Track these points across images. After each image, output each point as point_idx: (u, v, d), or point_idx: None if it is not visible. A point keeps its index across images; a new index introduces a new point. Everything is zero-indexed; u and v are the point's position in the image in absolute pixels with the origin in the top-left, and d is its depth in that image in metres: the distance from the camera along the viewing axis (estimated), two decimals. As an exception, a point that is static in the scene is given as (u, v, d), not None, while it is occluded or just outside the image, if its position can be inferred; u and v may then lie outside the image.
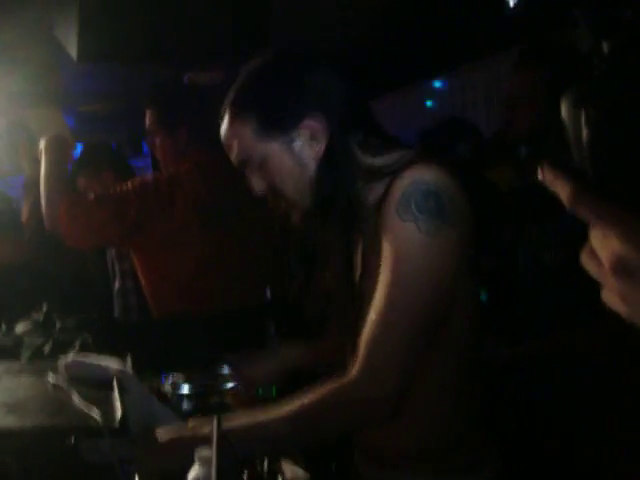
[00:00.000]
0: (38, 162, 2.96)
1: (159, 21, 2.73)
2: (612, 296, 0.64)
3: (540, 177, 0.67)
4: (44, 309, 2.21)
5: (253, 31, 2.79)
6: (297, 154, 1.38)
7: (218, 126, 1.46)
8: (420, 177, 1.27)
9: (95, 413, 1.33)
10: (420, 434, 1.42)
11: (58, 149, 2.78)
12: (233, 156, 1.44)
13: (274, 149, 1.38)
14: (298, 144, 1.38)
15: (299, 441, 1.38)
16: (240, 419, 1.37)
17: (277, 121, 1.38)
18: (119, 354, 1.81)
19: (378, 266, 1.31)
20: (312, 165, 1.39)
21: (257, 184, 1.44)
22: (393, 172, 1.32)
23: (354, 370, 1.29)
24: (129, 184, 2.72)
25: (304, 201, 1.41)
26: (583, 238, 0.65)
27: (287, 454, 1.48)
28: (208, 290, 2.77)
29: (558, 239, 2.11)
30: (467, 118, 3.75)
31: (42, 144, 2.78)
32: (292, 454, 1.50)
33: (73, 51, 2.72)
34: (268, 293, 2.93)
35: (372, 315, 1.29)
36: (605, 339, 1.97)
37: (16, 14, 2.91)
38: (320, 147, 1.38)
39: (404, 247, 1.26)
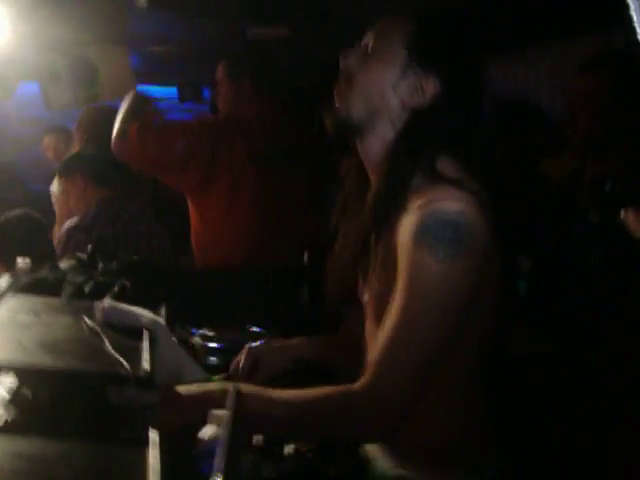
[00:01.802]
0: (97, 98, 3.17)
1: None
2: None
3: (623, 217, 0.70)
4: (89, 250, 2.30)
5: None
6: (400, 82, 1.42)
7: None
8: (440, 207, 1.30)
9: (124, 362, 1.40)
10: (425, 431, 1.43)
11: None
12: (369, 35, 1.48)
13: (396, 58, 1.43)
14: (410, 78, 1.42)
15: (298, 429, 1.40)
16: (260, 388, 1.41)
17: (424, 49, 1.42)
18: (155, 301, 1.89)
19: (389, 271, 1.36)
20: (395, 99, 1.42)
21: (347, 64, 1.47)
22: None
23: (365, 381, 1.32)
24: (193, 119, 2.93)
25: (356, 115, 1.44)
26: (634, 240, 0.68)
27: (294, 440, 1.51)
28: (252, 241, 2.90)
29: (607, 239, 2.09)
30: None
31: None
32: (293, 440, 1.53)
33: (143, -4, 2.77)
34: (306, 257, 2.99)
35: (385, 333, 1.32)
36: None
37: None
38: (417, 101, 1.41)
39: (419, 273, 1.29)
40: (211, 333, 2.03)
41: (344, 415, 1.34)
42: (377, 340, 1.34)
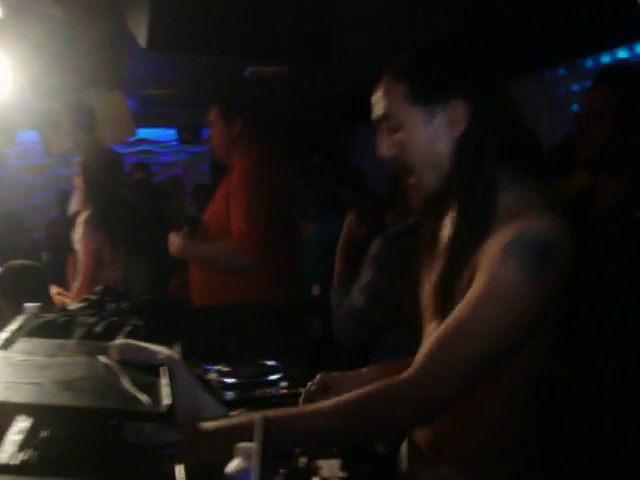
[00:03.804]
0: (97, 142, 3.18)
1: (227, 14, 2.79)
2: None
3: None
4: (99, 290, 2.27)
5: (317, 30, 2.85)
6: (434, 129, 1.45)
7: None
8: (533, 224, 1.35)
9: (143, 398, 1.37)
10: (472, 439, 1.46)
11: None
12: (376, 111, 1.52)
13: (415, 116, 1.46)
14: (438, 120, 1.45)
15: (345, 433, 1.40)
16: (288, 409, 1.41)
17: (426, 92, 1.45)
18: (168, 339, 1.86)
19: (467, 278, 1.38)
20: (445, 144, 1.45)
21: (386, 146, 1.51)
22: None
23: (413, 369, 1.35)
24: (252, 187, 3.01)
25: (428, 177, 1.47)
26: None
27: (331, 447, 1.51)
28: (267, 277, 2.93)
29: (624, 257, 2.07)
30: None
31: None
32: (336, 448, 1.52)
33: (142, 39, 2.78)
34: (316, 290, 2.99)
35: (448, 321, 1.35)
36: None
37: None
38: (458, 130, 1.44)
39: (501, 280, 1.33)
40: (226, 369, 2.00)
41: (395, 406, 1.35)
42: (434, 333, 1.37)
